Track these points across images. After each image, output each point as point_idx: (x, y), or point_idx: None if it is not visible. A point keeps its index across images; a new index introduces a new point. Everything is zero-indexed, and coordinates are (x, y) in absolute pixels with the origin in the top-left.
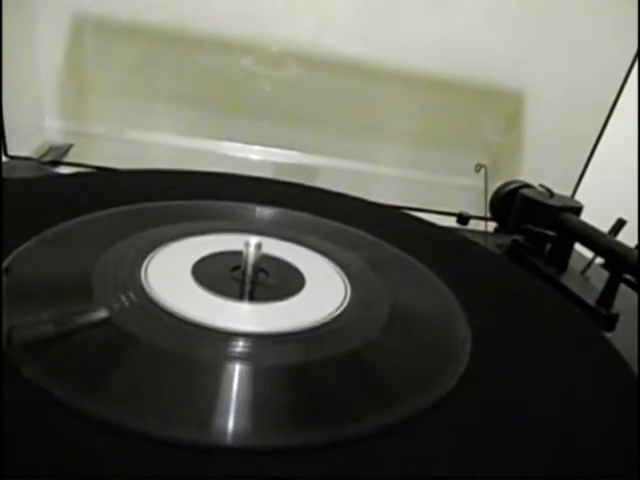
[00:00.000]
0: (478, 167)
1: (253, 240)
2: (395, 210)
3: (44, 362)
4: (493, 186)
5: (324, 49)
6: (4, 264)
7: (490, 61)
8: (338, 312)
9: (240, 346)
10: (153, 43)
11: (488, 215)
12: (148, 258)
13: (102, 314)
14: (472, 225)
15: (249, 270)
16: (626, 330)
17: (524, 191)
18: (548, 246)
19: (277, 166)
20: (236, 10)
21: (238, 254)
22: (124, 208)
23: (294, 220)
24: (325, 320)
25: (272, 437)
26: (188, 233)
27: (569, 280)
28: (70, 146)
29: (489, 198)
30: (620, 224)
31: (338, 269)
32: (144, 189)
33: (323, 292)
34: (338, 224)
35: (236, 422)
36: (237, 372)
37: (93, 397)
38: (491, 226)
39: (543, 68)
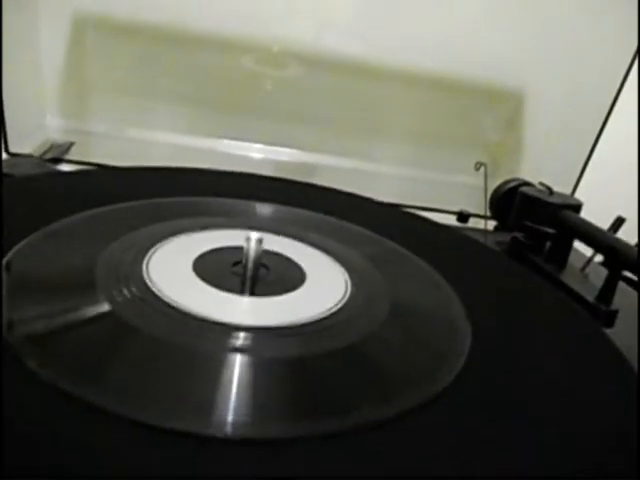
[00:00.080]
0: (478, 165)
1: (254, 235)
2: (395, 208)
3: (46, 354)
4: (493, 184)
5: (324, 48)
6: (5, 259)
7: (490, 60)
8: (338, 307)
9: (241, 339)
10: (154, 42)
11: (488, 213)
12: (149, 253)
13: (104, 307)
14: (472, 223)
15: (250, 265)
16: (625, 327)
17: (524, 189)
18: (548, 244)
19: (277, 164)
20: (236, 10)
21: (239, 250)
22: (125, 204)
23: (294, 217)
24: (325, 314)
25: (271, 428)
26: (189, 229)
27: (569, 277)
28: (71, 144)
29: (489, 196)
30: (619, 222)
31: (339, 265)
32: (145, 186)
33: (323, 287)
34: (339, 221)
35: (236, 413)
36: (237, 364)
37: (95, 388)
38: (491, 224)
39: (543, 67)
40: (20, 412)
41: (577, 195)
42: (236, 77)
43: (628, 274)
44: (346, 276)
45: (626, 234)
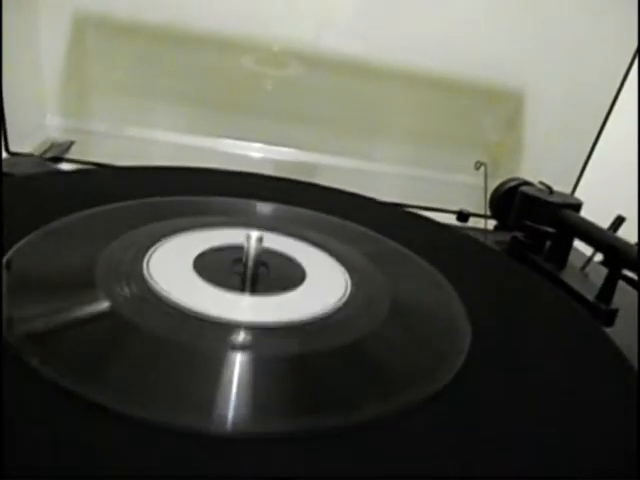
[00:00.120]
0: (478, 165)
1: (254, 234)
2: (396, 207)
3: (47, 353)
4: (493, 184)
5: (324, 48)
6: (5, 258)
7: (490, 60)
8: (338, 305)
9: (241, 336)
10: (154, 42)
11: (488, 213)
12: (150, 252)
13: (105, 305)
14: (472, 222)
15: (250, 263)
16: (625, 327)
17: (524, 188)
18: (548, 243)
19: (277, 164)
20: (236, 10)
21: (239, 248)
22: (125, 203)
23: (295, 216)
24: (325, 312)
25: (272, 426)
26: (189, 228)
27: (568, 276)
28: (71, 143)
29: (489, 196)
30: (619, 221)
31: (339, 263)
32: (145, 185)
33: (324, 285)
34: (339, 220)
35: (236, 411)
36: (238, 362)
37: (95, 386)
38: (491, 224)
39: (543, 67)
40: (20, 410)
41: (577, 195)
42: (236, 77)
43: (628, 273)
44: (346, 275)
45: (626, 234)
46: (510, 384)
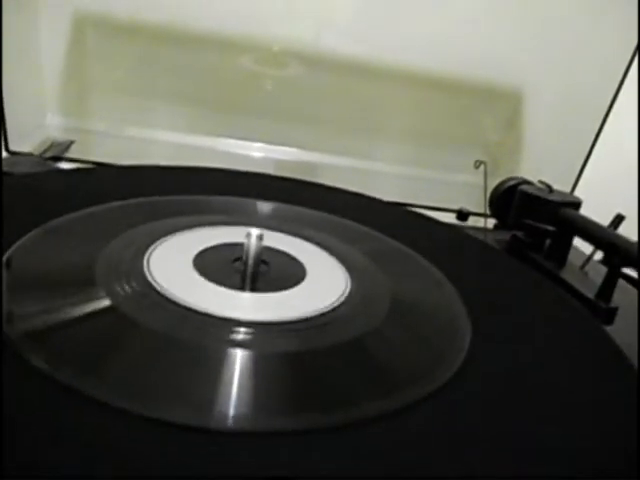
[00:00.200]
0: (477, 163)
1: (254, 232)
2: (398, 206)
3: (47, 350)
4: (492, 183)
5: (324, 48)
6: (5, 256)
7: (489, 60)
8: (339, 302)
9: (242, 333)
10: (154, 41)
11: (487, 211)
12: (150, 250)
13: (105, 302)
14: (471, 221)
15: (250, 261)
16: (625, 325)
17: (523, 187)
18: (547, 241)
19: (278, 163)
20: (236, 9)
21: (239, 246)
22: (125, 202)
23: (295, 215)
24: (326, 310)
25: (272, 422)
26: (189, 226)
27: (568, 274)
28: (71, 142)
29: (488, 195)
30: (619, 219)
31: (339, 262)
32: (144, 185)
33: (324, 283)
34: (339, 219)
35: (237, 407)
36: (238, 358)
37: (95, 382)
38: (490, 223)
39: (542, 66)
40: (21, 407)
41: (576, 194)
42: (236, 77)
43: (628, 271)
44: (347, 273)
45: (625, 233)
46: (510, 383)
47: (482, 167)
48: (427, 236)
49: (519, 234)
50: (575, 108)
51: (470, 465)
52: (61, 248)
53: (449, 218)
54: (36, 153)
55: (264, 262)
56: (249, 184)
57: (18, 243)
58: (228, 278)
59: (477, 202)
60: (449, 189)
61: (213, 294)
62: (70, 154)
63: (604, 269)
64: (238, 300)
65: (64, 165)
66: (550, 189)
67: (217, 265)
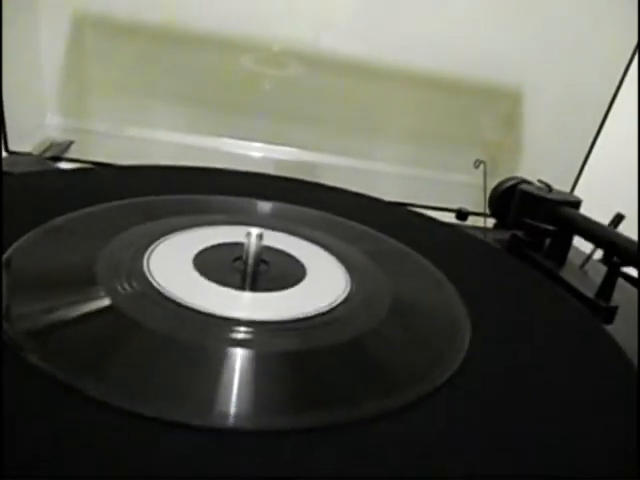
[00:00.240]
0: (477, 163)
1: (254, 231)
2: (398, 206)
3: (47, 349)
4: (492, 183)
5: (324, 48)
6: (5, 256)
7: (489, 59)
8: (339, 302)
9: (242, 333)
10: (154, 41)
11: (487, 211)
12: (150, 249)
13: (105, 302)
14: (470, 221)
15: (250, 260)
16: (625, 324)
17: (523, 186)
18: (547, 241)
19: (278, 163)
20: (236, 9)
21: (239, 246)
22: (125, 202)
23: (295, 214)
24: (326, 309)
25: (272, 421)
26: (189, 225)
27: (568, 274)
28: (71, 142)
29: (488, 194)
30: (619, 219)
31: (339, 261)
32: (144, 184)
33: (324, 283)
34: (340, 218)
35: (237, 406)
36: (239, 358)
37: (96, 382)
38: (490, 222)
39: (541, 66)
40: (21, 407)
41: (575, 194)
42: (236, 77)
43: (627, 271)
44: (347, 272)
45: (625, 233)
46: (510, 382)
47: (482, 167)
48: (427, 236)
49: (519, 233)
50: (574, 108)
51: (470, 465)
52: (61, 248)
53: (449, 218)
54: (36, 153)
55: (264, 262)
56: (249, 184)
57: (17, 243)
58: (228, 278)
59: (477, 202)
60: (449, 189)
61: (213, 293)
62: (70, 154)
63: (604, 268)
64: (238, 300)
65: (64, 165)
66: (549, 188)
67: (217, 265)
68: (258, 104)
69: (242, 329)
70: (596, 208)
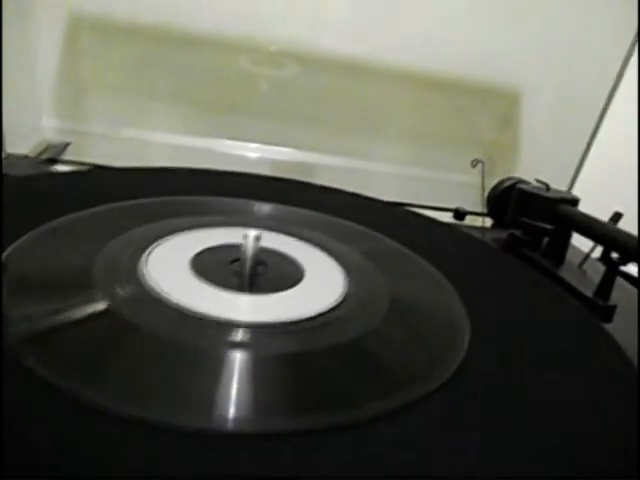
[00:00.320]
0: (475, 162)
1: (252, 233)
2: (393, 205)
3: (45, 353)
4: (489, 183)
5: (322, 48)
6: (3, 256)
7: (486, 59)
8: (337, 303)
9: (240, 335)
10: (151, 42)
11: (485, 210)
12: (147, 252)
13: (103, 305)
14: (468, 221)
15: (248, 262)
16: (624, 323)
17: (521, 185)
18: (545, 240)
19: (275, 164)
20: (234, 10)
21: (237, 247)
22: (122, 204)
23: (292, 215)
24: (324, 310)
25: (272, 423)
26: (187, 227)
27: (566, 273)
28: (67, 144)
29: (486, 194)
30: (617, 217)
31: (337, 262)
32: (141, 186)
33: (322, 284)
34: (337, 219)
35: (237, 409)
36: (237, 360)
37: (94, 386)
38: (488, 221)
39: (539, 66)
40: (19, 411)
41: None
42: (233, 77)
43: (626, 270)
44: (345, 273)
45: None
46: (509, 382)
47: (479, 166)
48: (425, 236)
49: (517, 232)
50: (572, 107)
51: (470, 465)
52: (59, 250)
53: (447, 217)
54: (32, 155)
55: (262, 263)
56: (247, 185)
57: (14, 245)
58: (226, 279)
59: (475, 201)
60: (447, 189)
61: (211, 296)
62: (66, 156)
63: (602, 267)
64: (236, 301)
65: (60, 167)
66: (547, 187)
67: (215, 266)
68: (256, 105)
69: (240, 331)
70: (594, 208)
